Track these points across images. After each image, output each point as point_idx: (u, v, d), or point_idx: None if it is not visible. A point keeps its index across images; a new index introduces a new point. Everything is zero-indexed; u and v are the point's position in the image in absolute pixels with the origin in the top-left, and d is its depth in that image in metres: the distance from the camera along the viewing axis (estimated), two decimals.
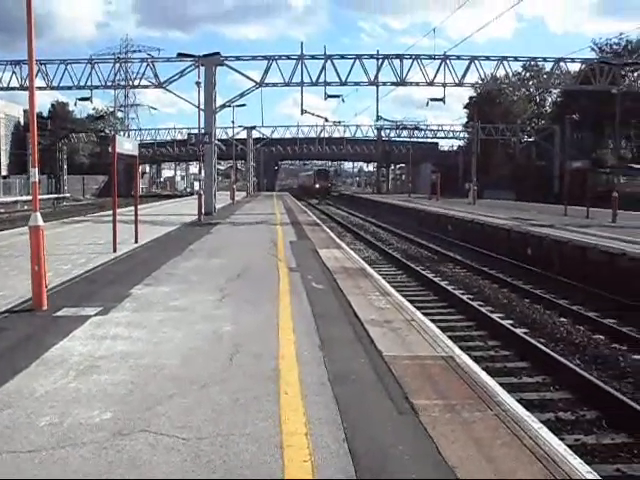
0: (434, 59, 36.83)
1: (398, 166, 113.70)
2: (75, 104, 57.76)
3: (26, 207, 51.13)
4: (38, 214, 9.09)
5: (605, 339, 11.92)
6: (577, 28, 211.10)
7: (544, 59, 42.20)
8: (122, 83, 41.75)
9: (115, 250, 15.57)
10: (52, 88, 39.42)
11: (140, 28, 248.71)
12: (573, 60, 40.30)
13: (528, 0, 50.59)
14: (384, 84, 38.15)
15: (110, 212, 20.22)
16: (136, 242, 17.63)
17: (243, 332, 7.78)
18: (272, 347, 7.06)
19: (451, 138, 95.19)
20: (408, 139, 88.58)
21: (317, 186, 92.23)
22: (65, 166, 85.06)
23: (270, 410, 5.19)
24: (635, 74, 48.90)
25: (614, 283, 16.64)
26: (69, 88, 38.94)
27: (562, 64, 39.88)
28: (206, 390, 5.65)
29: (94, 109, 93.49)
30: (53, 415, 5.04)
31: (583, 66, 40.85)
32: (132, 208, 19.95)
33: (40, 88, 38.91)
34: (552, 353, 10.50)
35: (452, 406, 5.36)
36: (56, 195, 71.68)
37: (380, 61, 36.73)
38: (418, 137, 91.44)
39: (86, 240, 18.63)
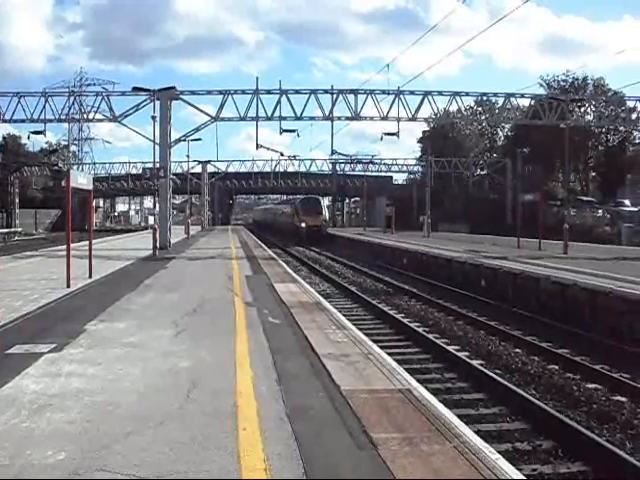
0: (388, 94, 37.30)
1: (353, 200, 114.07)
2: (28, 137, 56.84)
3: None
4: None
5: (559, 369, 12.10)
6: (523, 64, 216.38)
7: (495, 94, 43.04)
8: (76, 117, 41.36)
9: (69, 285, 15.34)
10: (4, 121, 38.83)
11: (92, 61, 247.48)
12: (523, 95, 41.24)
13: (476, 37, 51.66)
14: (339, 119, 38.42)
15: (63, 247, 19.94)
16: (90, 277, 17.41)
17: (200, 368, 7.72)
18: (229, 382, 7.02)
19: (405, 172, 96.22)
20: (363, 173, 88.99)
21: (302, 225, 58.13)
22: (17, 200, 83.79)
23: (229, 446, 5.15)
24: (582, 109, 50.20)
25: (566, 313, 16.96)
26: (22, 121, 38.30)
27: (512, 99, 40.78)
28: (163, 427, 5.58)
29: (47, 142, 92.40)
30: (4, 457, 4.90)
31: (532, 101, 41.81)
32: (86, 242, 19.74)
33: None
34: (508, 384, 10.62)
35: (411, 439, 5.38)
36: (7, 230, 70.41)
37: (335, 96, 37.04)
38: (372, 171, 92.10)
39: (39, 275, 18.29)
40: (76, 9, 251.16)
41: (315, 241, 53.76)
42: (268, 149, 54.85)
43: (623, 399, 10.13)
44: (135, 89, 34.49)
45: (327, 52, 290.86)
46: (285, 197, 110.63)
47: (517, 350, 13.73)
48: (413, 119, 38.37)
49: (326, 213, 64.53)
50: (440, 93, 38.82)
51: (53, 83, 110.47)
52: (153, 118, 32.23)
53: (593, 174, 77.39)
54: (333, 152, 48.36)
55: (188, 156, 63.93)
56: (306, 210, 59.64)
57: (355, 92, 37.44)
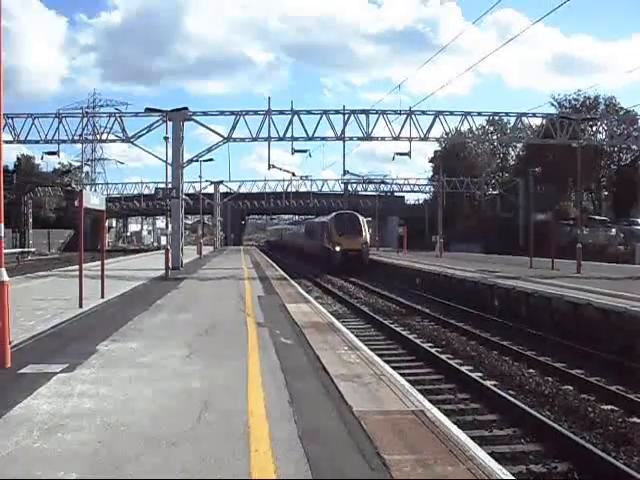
0: (400, 114, 37.42)
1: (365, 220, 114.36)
2: (42, 158, 57.35)
3: None
4: (2, 269, 8.94)
5: (573, 390, 11.98)
6: (533, 84, 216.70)
7: (506, 114, 43.14)
8: (90, 137, 41.73)
9: (81, 305, 15.36)
10: (19, 142, 39.19)
11: (105, 83, 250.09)
12: (534, 115, 41.29)
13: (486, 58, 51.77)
14: (351, 139, 38.50)
15: (76, 267, 19.99)
16: (102, 297, 17.42)
17: (212, 388, 7.69)
18: (241, 403, 6.99)
19: (417, 192, 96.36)
20: (374, 193, 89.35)
21: (337, 249, 44.72)
22: (30, 220, 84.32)
23: (240, 469, 5.11)
24: (594, 128, 50.15)
25: (580, 333, 16.83)
26: (36, 142, 38.66)
27: (524, 119, 40.81)
28: (175, 449, 5.55)
29: (59, 163, 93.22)
30: (15, 478, 4.88)
31: (544, 121, 41.87)
32: (98, 263, 19.79)
33: (7, 142, 38.77)
34: (522, 405, 10.51)
35: (424, 461, 5.32)
36: (21, 249, 70.66)
37: (346, 116, 37.14)
38: (384, 191, 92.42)
39: (51, 295, 18.35)
40: (88, 31, 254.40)
41: (354, 270, 41.04)
42: (280, 169, 54.37)
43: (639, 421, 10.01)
44: (148, 110, 34.81)
45: (337, 73, 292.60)
46: (296, 217, 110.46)
47: (531, 370, 13.62)
48: (425, 139, 38.47)
49: (367, 234, 47.48)
50: (451, 113, 38.93)
51: (66, 105, 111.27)
52: (166, 139, 32.44)
53: (606, 193, 77.23)
54: (345, 172, 48.35)
55: (200, 176, 63.97)
56: (342, 228, 46.10)
57: (367, 112, 37.56)
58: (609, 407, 10.79)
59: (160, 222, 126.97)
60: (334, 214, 50.23)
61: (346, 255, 43.90)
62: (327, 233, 47.42)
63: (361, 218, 47.68)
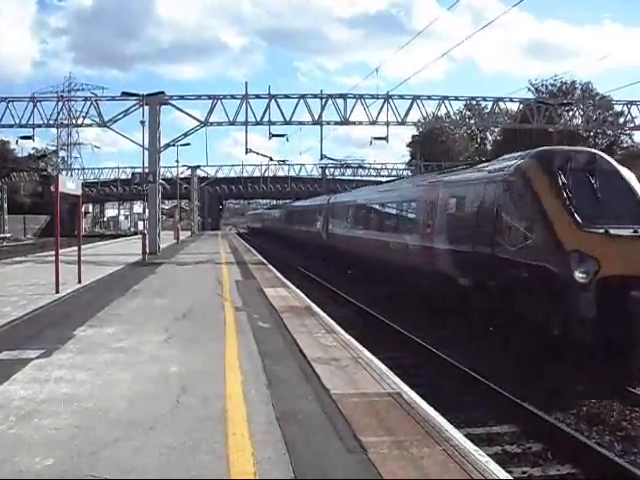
0: (377, 98, 37.37)
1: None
2: (17, 142, 56.62)
3: None
4: None
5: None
6: (507, 69, 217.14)
7: (484, 98, 43.26)
8: (65, 122, 41.27)
9: (58, 291, 15.27)
10: None
11: (77, 67, 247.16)
12: (511, 100, 41.43)
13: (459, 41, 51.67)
14: (328, 123, 38.41)
15: (52, 252, 19.85)
16: (79, 283, 17.33)
17: (190, 373, 7.70)
18: (219, 387, 7.01)
19: (395, 176, 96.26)
20: (352, 177, 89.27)
21: (580, 275, 10.78)
22: (6, 205, 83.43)
23: (218, 451, 5.13)
24: (570, 113, 50.52)
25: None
26: (10, 126, 38.13)
27: (501, 103, 40.95)
28: (153, 433, 5.57)
29: (33, 149, 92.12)
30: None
31: (521, 106, 42.06)
32: (75, 248, 19.66)
33: None
34: (497, 387, 10.61)
35: (401, 442, 5.38)
36: None
37: (324, 100, 37.05)
38: (362, 175, 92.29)
39: (27, 281, 18.21)
40: (59, 14, 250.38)
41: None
42: (257, 154, 53.52)
43: None
44: (124, 94, 34.48)
45: (311, 57, 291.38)
46: (275, 201, 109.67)
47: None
48: (402, 123, 38.47)
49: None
50: (429, 97, 38.99)
51: (40, 89, 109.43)
52: (142, 123, 32.19)
53: None
54: (322, 157, 48.03)
55: (177, 161, 63.59)
56: (591, 206, 11.83)
57: (344, 97, 37.44)
58: None
59: (137, 207, 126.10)
60: (549, 151, 14.12)
61: (620, 295, 10.53)
62: (532, 218, 12.40)
63: (627, 174, 13.20)
